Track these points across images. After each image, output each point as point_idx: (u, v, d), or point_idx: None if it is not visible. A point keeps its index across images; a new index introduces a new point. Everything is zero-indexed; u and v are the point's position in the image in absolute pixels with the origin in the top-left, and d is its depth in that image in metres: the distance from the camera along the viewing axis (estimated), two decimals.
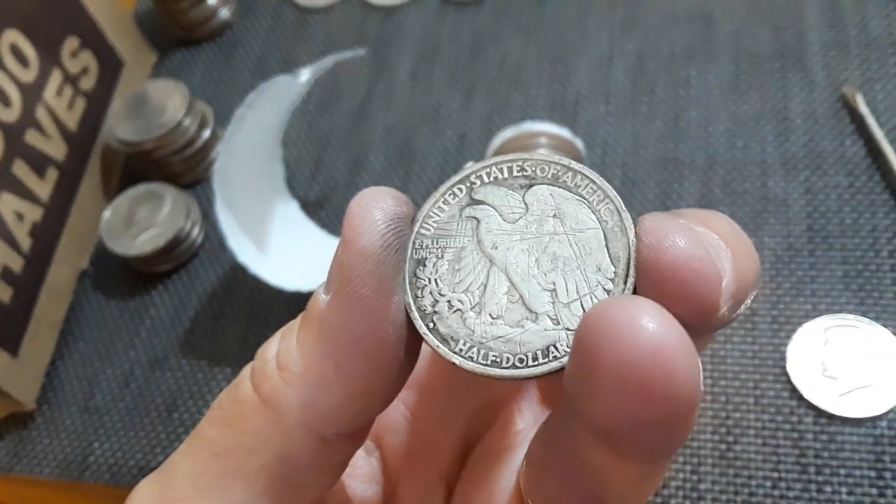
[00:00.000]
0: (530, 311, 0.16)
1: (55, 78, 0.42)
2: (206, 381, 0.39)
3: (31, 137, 0.40)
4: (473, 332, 0.16)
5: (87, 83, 0.45)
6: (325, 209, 0.43)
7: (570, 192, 0.17)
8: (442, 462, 0.22)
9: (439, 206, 0.17)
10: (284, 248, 0.38)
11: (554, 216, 0.17)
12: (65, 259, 0.42)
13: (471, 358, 0.16)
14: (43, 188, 0.41)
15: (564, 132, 0.38)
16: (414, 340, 0.17)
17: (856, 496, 0.30)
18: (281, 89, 0.35)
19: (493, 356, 0.16)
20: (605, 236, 0.16)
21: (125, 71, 0.48)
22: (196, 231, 0.43)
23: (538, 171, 0.17)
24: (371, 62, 0.48)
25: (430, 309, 0.16)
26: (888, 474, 0.31)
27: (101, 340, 0.41)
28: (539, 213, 0.17)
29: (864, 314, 0.34)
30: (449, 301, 0.16)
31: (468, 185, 0.18)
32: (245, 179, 0.37)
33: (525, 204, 0.17)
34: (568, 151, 0.37)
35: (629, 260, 0.16)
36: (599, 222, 0.17)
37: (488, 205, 0.17)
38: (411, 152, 0.44)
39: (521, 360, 0.16)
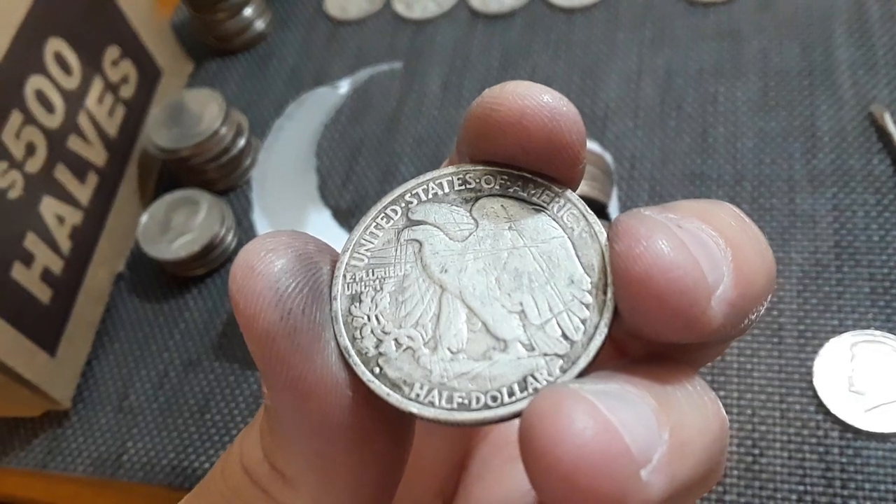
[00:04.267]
0: (497, 339, 0.14)
1: (97, 85, 0.43)
2: (238, 384, 0.40)
3: (73, 143, 0.41)
4: (431, 371, 0.14)
5: (127, 91, 0.46)
6: (355, 217, 0.44)
7: (525, 201, 0.15)
8: (435, 481, 0.20)
9: (371, 232, 0.15)
10: None
11: (510, 228, 0.15)
12: (102, 262, 0.43)
13: (432, 403, 0.13)
14: (83, 193, 0.42)
15: (594, 146, 0.39)
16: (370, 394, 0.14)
17: None
18: (320, 100, 0.36)
19: (460, 397, 0.13)
20: (572, 244, 0.14)
21: (163, 79, 0.49)
22: (230, 237, 0.44)
23: (483, 183, 0.15)
24: (402, 74, 0.49)
25: (373, 351, 0.14)
26: None
27: (135, 342, 0.42)
28: (491, 228, 0.15)
29: (890, 331, 0.34)
30: (396, 339, 0.14)
31: (403, 205, 0.15)
32: (281, 187, 0.38)
33: (473, 219, 0.15)
34: (598, 165, 0.38)
35: (606, 266, 0.14)
36: (564, 230, 0.15)
37: (430, 224, 0.15)
38: (441, 163, 0.45)
39: (494, 398, 0.13)
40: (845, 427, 0.32)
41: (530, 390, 0.13)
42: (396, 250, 0.15)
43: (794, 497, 0.32)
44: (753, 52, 0.44)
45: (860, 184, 0.38)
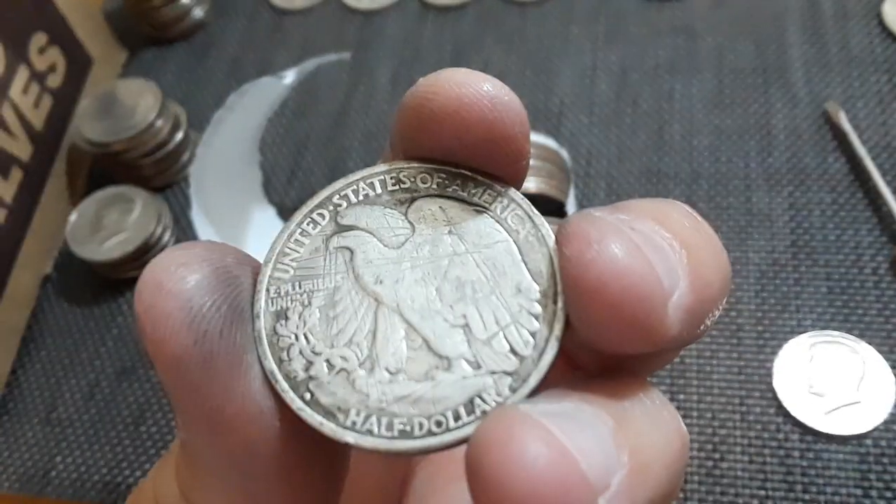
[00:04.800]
0: (440, 357, 0.13)
1: (21, 75, 0.40)
2: None
3: None
4: (368, 395, 0.12)
5: (55, 81, 0.43)
6: None
7: (465, 202, 0.14)
8: (377, 501, 0.19)
9: (296, 240, 0.14)
10: (261, 255, 0.37)
11: (449, 233, 0.13)
12: (28, 263, 0.40)
13: (370, 431, 0.12)
14: (6, 189, 0.39)
15: (551, 142, 0.38)
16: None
17: None
18: (263, 91, 0.34)
19: (401, 424, 0.12)
20: (518, 249, 0.13)
21: (94, 69, 0.47)
22: (167, 236, 0.41)
23: (419, 182, 0.14)
24: (350, 66, 0.47)
25: (302, 375, 0.12)
26: (874, 493, 0.30)
27: (64, 349, 0.40)
28: (430, 232, 0.14)
29: (848, 331, 0.33)
30: (328, 360, 0.13)
31: (331, 208, 0.14)
32: (222, 184, 0.36)
33: (409, 223, 0.14)
34: (555, 162, 0.37)
35: (555, 273, 0.13)
36: (508, 233, 0.13)
37: (361, 229, 0.14)
38: None
39: (438, 424, 0.12)
40: (806, 430, 0.32)
41: (478, 413, 0.12)
42: (325, 260, 0.13)
43: (755, 502, 0.31)
44: (708, 49, 0.44)
45: (816, 182, 0.38)
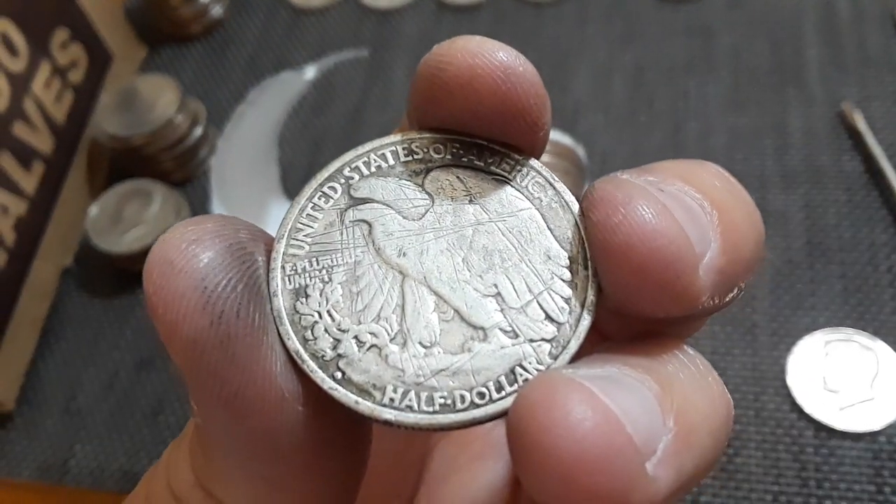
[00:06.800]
0: (475, 328, 0.12)
1: (44, 69, 0.41)
2: None
3: (19, 129, 0.39)
4: (404, 371, 0.12)
5: (76, 76, 0.44)
6: None
7: (482, 171, 0.13)
8: (391, 483, 0.19)
9: (308, 215, 0.13)
10: None
11: (470, 202, 0.13)
12: (48, 255, 0.41)
13: (410, 407, 0.12)
14: (29, 181, 0.39)
15: (567, 140, 0.38)
16: (330, 403, 0.12)
17: None
18: (283, 87, 0.35)
19: (441, 398, 0.12)
20: (542, 216, 0.13)
21: (114, 65, 0.47)
22: None
23: (432, 153, 0.14)
24: (367, 64, 0.48)
25: (330, 353, 0.12)
26: (888, 489, 0.31)
27: (84, 340, 0.40)
28: (450, 203, 0.13)
29: (863, 328, 0.34)
30: (356, 336, 0.12)
31: (343, 181, 0.14)
32: (242, 178, 0.36)
33: (427, 193, 0.13)
34: (570, 160, 0.37)
35: (582, 238, 0.13)
36: (531, 201, 0.13)
37: (377, 202, 0.13)
38: None
39: (481, 395, 0.12)
40: (819, 426, 0.32)
41: (521, 382, 0.12)
42: (342, 234, 0.13)
43: (769, 497, 0.31)
44: (724, 49, 0.44)
45: (831, 181, 0.38)
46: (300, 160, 0.44)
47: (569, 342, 0.12)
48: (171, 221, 0.40)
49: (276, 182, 0.41)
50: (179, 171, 0.44)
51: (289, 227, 0.13)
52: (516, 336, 0.12)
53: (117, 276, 0.42)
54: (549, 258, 0.13)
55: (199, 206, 0.43)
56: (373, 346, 0.12)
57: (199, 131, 0.44)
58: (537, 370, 0.12)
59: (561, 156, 0.37)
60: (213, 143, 0.44)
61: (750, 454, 0.32)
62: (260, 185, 0.39)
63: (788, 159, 0.39)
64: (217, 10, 0.51)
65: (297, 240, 0.13)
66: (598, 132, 0.42)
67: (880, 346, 0.33)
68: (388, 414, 0.12)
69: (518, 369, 0.12)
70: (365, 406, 0.12)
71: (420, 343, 0.12)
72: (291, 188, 0.43)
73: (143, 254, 0.40)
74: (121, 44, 0.48)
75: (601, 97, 0.44)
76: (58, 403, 0.38)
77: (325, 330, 0.12)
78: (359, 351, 0.12)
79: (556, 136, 0.38)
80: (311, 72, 0.36)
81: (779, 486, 0.31)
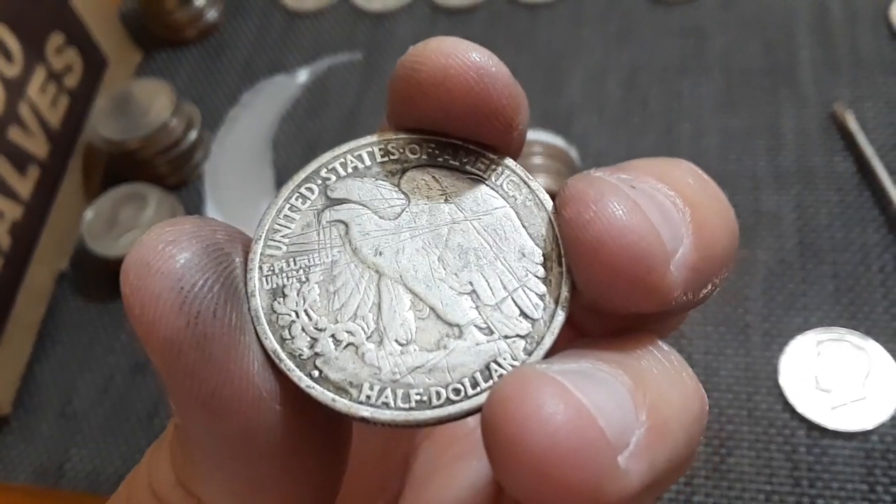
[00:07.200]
0: (450, 325, 0.12)
1: (39, 74, 0.41)
2: None
3: (14, 134, 0.39)
4: (380, 368, 0.12)
5: (71, 80, 0.44)
6: None
7: (458, 171, 0.14)
8: (374, 483, 0.19)
9: (285, 216, 0.13)
10: None
11: (446, 201, 0.13)
12: (44, 259, 0.41)
13: (386, 404, 0.12)
14: (24, 186, 0.40)
15: (559, 141, 0.38)
16: (307, 403, 0.12)
17: None
18: (277, 90, 0.35)
19: (417, 394, 0.12)
20: (517, 214, 0.13)
21: (109, 69, 0.47)
22: None
23: (408, 153, 0.14)
24: (361, 68, 0.48)
25: (307, 352, 0.12)
26: (879, 488, 0.31)
27: (79, 344, 0.40)
28: (425, 202, 0.13)
29: (855, 328, 0.34)
30: (333, 335, 0.12)
31: (320, 182, 0.14)
32: (236, 181, 0.36)
33: (403, 193, 0.14)
34: (563, 161, 0.37)
35: (556, 236, 0.13)
36: (505, 199, 0.13)
37: (354, 202, 0.13)
38: None
39: (456, 392, 0.12)
40: (812, 426, 0.32)
41: (495, 378, 0.12)
42: (319, 234, 0.13)
43: (761, 497, 0.31)
44: (717, 50, 0.44)
45: (823, 181, 0.38)
46: (295, 163, 0.44)
47: (543, 338, 0.12)
48: None
49: (270, 185, 0.41)
50: (174, 174, 0.44)
51: (266, 227, 0.13)
52: (491, 333, 0.12)
53: (113, 280, 0.42)
54: (524, 255, 0.13)
55: (193, 209, 0.43)
56: (349, 344, 0.12)
57: (193, 135, 0.44)
58: (512, 366, 0.12)
59: (554, 157, 0.37)
60: (208, 147, 0.44)
61: (743, 454, 0.32)
62: (254, 188, 0.39)
63: (781, 160, 0.39)
64: (212, 15, 0.51)
65: (275, 240, 0.13)
66: (591, 133, 0.42)
67: (872, 345, 0.33)
68: (365, 411, 0.12)
69: (493, 365, 0.12)
70: (342, 404, 0.12)
71: (396, 341, 0.12)
72: None
73: None
74: (116, 48, 0.48)
75: (595, 98, 0.44)
76: (53, 407, 0.39)
77: (303, 329, 0.12)
78: (336, 349, 0.12)
79: (549, 137, 0.38)
80: (304, 75, 0.36)
81: (771, 485, 0.31)
